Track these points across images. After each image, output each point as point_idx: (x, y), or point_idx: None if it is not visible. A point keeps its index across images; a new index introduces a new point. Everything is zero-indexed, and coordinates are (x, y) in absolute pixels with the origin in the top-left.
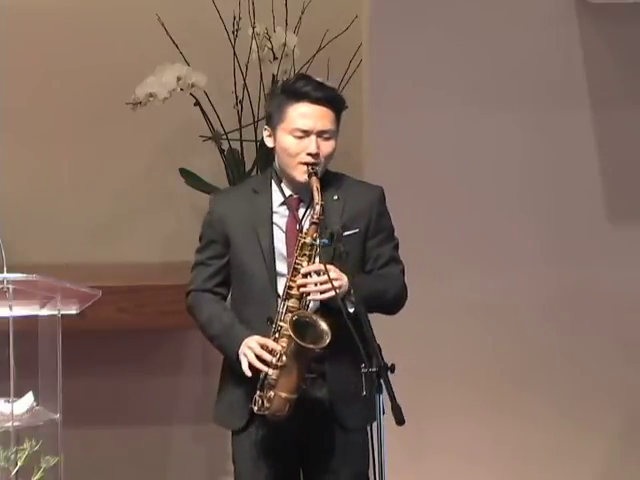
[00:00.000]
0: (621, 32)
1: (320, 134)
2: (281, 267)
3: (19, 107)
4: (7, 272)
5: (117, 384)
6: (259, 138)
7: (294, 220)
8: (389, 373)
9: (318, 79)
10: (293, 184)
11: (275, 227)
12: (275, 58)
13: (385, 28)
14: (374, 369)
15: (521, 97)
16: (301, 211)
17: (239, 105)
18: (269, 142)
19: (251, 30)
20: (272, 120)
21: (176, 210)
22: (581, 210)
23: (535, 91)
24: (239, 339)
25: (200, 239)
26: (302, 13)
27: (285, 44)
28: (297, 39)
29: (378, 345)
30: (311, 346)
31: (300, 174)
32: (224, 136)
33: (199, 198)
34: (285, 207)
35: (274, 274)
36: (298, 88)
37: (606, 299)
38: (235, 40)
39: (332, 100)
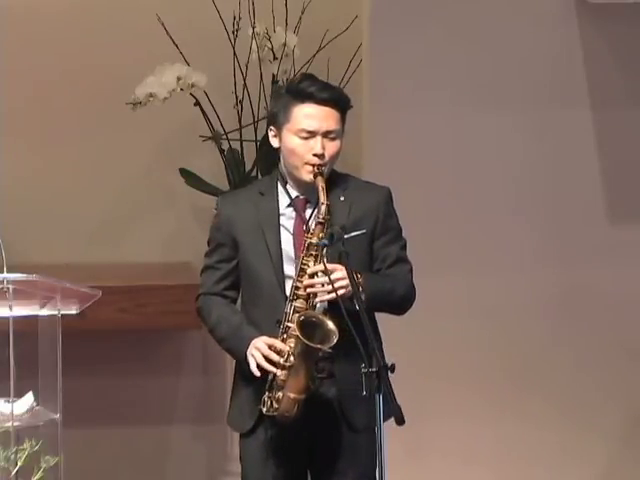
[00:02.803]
0: (621, 32)
1: (326, 134)
2: (289, 269)
3: (19, 107)
4: (7, 272)
5: (117, 384)
6: (259, 138)
7: (301, 221)
8: (389, 373)
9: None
10: (299, 185)
11: (282, 229)
12: (275, 58)
13: (385, 28)
14: (374, 369)
15: (521, 97)
16: (308, 212)
17: (239, 105)
18: (275, 142)
19: (251, 30)
20: (277, 120)
21: (176, 210)
22: (581, 210)
23: (535, 91)
24: (247, 340)
25: (208, 243)
26: (302, 13)
27: (285, 44)
28: (297, 39)
29: (379, 345)
30: (319, 346)
31: (306, 174)
32: (224, 136)
33: (199, 198)
34: (292, 209)
35: (282, 276)
36: (303, 88)
37: (606, 299)
38: (235, 40)
39: (337, 100)
